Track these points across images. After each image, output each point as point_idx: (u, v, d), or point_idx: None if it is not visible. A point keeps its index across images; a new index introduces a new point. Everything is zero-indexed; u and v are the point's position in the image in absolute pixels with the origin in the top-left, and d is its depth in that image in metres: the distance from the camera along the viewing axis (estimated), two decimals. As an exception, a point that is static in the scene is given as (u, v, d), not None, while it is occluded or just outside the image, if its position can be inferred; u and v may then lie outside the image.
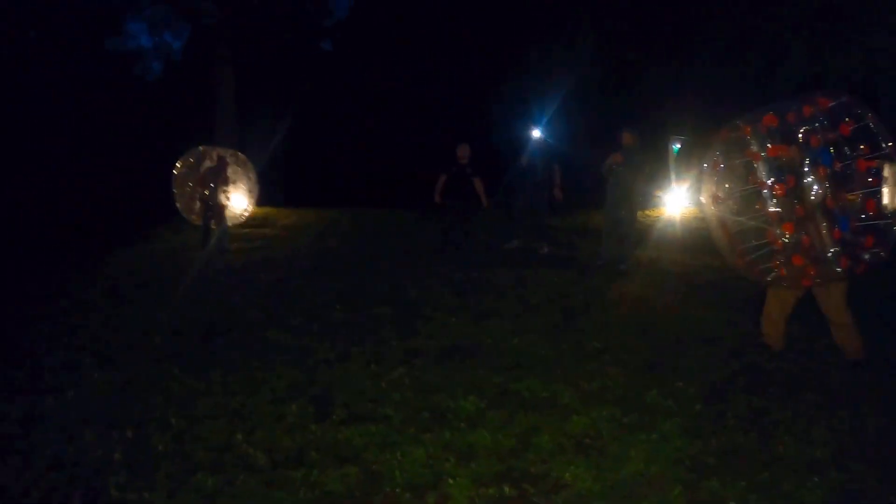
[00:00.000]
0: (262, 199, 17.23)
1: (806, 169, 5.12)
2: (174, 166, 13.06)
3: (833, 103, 5.23)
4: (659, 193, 14.14)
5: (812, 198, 5.13)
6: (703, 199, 5.97)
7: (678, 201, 14.84)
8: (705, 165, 5.79)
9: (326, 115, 21.38)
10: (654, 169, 11.12)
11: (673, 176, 15.68)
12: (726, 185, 5.60)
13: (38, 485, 3.86)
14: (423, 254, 10.76)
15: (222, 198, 11.89)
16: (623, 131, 9.68)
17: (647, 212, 14.57)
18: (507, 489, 3.75)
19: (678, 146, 16.41)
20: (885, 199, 5.15)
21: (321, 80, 21.93)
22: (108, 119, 21.15)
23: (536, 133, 11.26)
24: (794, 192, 5.16)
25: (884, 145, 5.06)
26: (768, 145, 5.26)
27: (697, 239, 12.23)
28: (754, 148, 5.34)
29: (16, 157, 17.64)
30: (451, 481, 3.81)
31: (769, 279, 5.60)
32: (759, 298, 6.42)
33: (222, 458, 4.13)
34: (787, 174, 5.18)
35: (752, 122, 5.40)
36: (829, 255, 5.12)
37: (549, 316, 7.23)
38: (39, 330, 6.97)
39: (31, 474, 3.96)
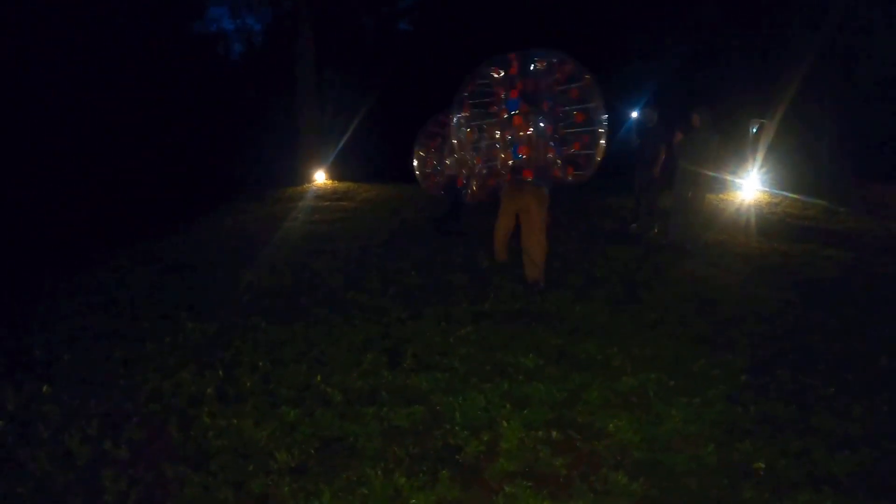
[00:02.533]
0: (342, 174, 17.99)
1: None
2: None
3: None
4: (730, 177, 13.91)
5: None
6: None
7: (752, 184, 14.64)
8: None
9: (406, 93, 21.83)
10: (726, 151, 11.07)
11: (750, 159, 15.45)
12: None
13: (137, 412, 4.45)
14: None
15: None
16: (693, 112, 9.64)
17: (720, 195, 14.46)
18: (554, 433, 4.14)
19: (756, 129, 16.15)
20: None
21: (400, 60, 22.41)
22: (195, 97, 22.07)
23: (636, 114, 11.26)
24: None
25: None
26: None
27: (769, 223, 12.25)
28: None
29: (114, 131, 18.78)
30: (504, 423, 4.23)
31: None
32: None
33: (302, 395, 4.69)
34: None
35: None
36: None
37: (611, 288, 7.50)
38: (137, 286, 7.69)
39: (131, 406, 4.56)
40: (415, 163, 10.79)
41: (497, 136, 7.24)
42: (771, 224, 12.36)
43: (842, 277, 8.42)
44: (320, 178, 17.55)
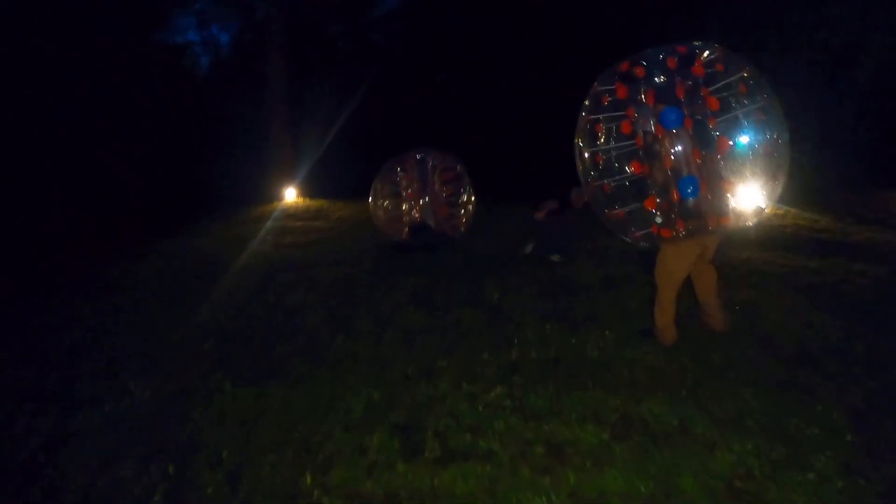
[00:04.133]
0: (315, 191, 16.59)
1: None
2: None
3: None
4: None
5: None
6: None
7: (752, 196, 13.65)
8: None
9: (383, 107, 20.46)
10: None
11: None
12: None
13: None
14: (500, 246, 9.79)
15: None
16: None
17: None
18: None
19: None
20: None
21: (376, 72, 21.11)
22: (156, 113, 20.73)
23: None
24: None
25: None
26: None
27: (785, 237, 11.20)
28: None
29: (61, 151, 17.20)
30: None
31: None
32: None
33: (289, 508, 3.27)
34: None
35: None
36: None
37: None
38: (76, 330, 6.27)
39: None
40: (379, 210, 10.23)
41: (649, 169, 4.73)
42: (788, 238, 11.36)
43: (888, 295, 7.28)
44: (291, 195, 16.12)
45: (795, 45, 14.63)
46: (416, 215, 9.96)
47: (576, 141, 5.09)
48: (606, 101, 4.81)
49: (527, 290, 6.83)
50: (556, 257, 9.10)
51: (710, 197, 4.79)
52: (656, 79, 4.73)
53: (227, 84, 22.81)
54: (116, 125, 18.49)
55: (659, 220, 4.81)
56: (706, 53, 4.76)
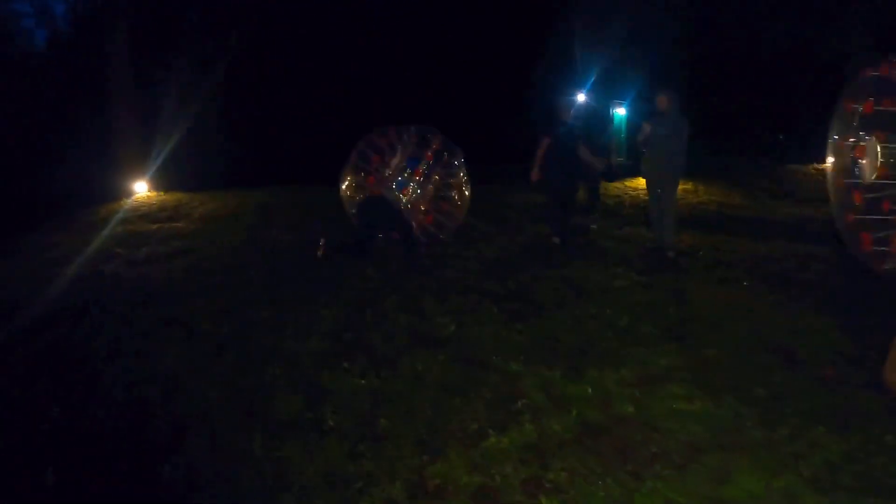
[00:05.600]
0: (170, 183, 14.17)
1: None
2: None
3: None
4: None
5: None
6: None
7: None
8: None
9: (246, 87, 17.92)
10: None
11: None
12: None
13: None
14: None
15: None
16: (658, 94, 7.86)
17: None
18: None
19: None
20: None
21: (237, 51, 18.60)
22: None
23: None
24: None
25: None
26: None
27: (716, 217, 10.95)
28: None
29: None
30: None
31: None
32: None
33: None
34: None
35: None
36: None
37: (655, 343, 5.05)
38: None
39: None
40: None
41: None
42: (716, 218, 11.01)
43: (857, 280, 6.68)
44: (142, 189, 13.58)
45: None
46: (376, 188, 7.79)
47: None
48: None
49: (483, 308, 5.20)
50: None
51: None
52: None
53: (67, 65, 19.74)
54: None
55: None
56: None
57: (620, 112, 15.88)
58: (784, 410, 4.04)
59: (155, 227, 10.64)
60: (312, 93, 17.31)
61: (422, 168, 7.87)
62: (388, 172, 7.81)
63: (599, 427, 3.85)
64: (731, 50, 17.06)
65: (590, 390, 4.26)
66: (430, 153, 7.91)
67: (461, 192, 8.16)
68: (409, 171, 7.77)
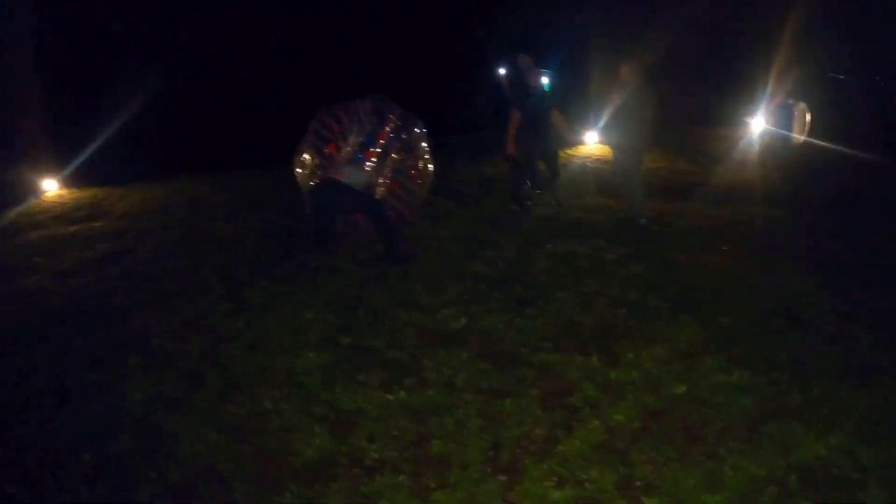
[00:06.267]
0: (85, 177, 13.00)
1: None
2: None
3: None
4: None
5: None
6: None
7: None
8: None
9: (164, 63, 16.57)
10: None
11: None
12: None
13: None
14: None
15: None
16: (621, 65, 7.76)
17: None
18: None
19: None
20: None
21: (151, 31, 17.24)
22: None
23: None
24: None
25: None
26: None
27: (667, 182, 10.98)
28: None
29: None
30: None
31: None
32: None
33: None
34: None
35: None
36: None
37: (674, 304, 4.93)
38: None
39: None
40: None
41: None
42: (671, 184, 10.92)
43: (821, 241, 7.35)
44: (51, 187, 12.39)
45: None
46: (333, 170, 6.89)
47: None
48: None
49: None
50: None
51: None
52: None
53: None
54: None
55: None
56: None
57: (544, 81, 15.51)
58: (808, 372, 4.15)
59: (73, 228, 9.59)
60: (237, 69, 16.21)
61: (381, 143, 7.21)
62: (346, 150, 7.11)
63: (658, 411, 3.68)
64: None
65: (634, 374, 3.97)
66: (388, 128, 7.26)
67: (424, 167, 7.54)
68: (368, 147, 7.10)
